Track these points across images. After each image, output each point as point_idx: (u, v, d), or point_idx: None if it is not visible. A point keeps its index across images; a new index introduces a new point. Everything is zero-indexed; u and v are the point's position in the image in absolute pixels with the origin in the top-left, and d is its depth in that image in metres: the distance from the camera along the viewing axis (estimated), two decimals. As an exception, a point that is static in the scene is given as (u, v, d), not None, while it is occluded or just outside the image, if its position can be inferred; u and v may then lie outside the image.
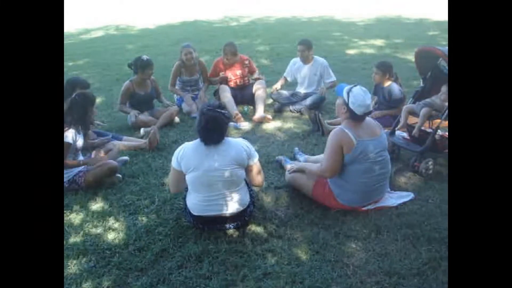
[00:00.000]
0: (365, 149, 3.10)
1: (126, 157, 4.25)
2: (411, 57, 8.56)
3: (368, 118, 3.25)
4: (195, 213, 2.95)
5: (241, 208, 2.96)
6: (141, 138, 4.82)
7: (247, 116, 5.45)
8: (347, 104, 3.13)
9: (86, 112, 3.62)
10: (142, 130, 4.97)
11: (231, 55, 5.61)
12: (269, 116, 5.32)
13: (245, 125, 5.12)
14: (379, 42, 10.28)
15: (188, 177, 2.90)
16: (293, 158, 4.11)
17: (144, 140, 4.57)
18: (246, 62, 5.87)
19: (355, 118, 3.15)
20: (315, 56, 5.63)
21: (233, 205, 2.92)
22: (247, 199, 3.01)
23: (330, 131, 4.65)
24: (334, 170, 3.17)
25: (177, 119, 5.32)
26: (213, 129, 2.80)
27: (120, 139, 4.62)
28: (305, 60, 5.58)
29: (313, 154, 4.18)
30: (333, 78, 5.62)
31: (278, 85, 5.73)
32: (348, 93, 3.13)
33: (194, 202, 2.94)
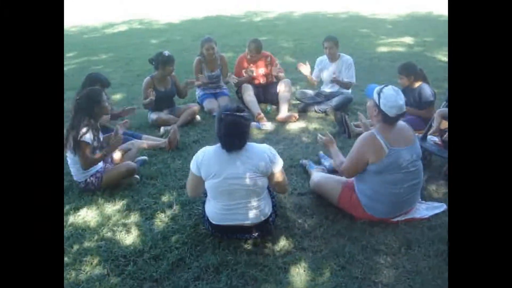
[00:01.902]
0: (398, 159, 2.88)
1: (145, 157, 4.14)
2: (441, 56, 8.24)
3: (401, 122, 3.04)
4: (214, 222, 2.80)
5: (263, 219, 2.79)
6: (161, 137, 4.70)
7: (270, 116, 5.27)
8: (378, 106, 2.92)
9: (93, 111, 3.46)
10: (162, 129, 4.85)
11: (255, 52, 5.43)
12: (296, 115, 5.12)
13: (268, 126, 4.93)
14: (408, 40, 9.93)
15: (207, 184, 2.74)
16: (318, 163, 3.92)
17: (164, 140, 4.44)
18: (268, 59, 5.67)
19: (388, 121, 2.93)
20: (341, 54, 5.40)
21: (254, 215, 2.75)
22: (269, 208, 2.84)
23: (357, 133, 4.50)
24: (353, 174, 3.05)
25: (198, 118, 5.18)
26: (234, 135, 2.63)
27: (140, 138, 4.51)
28: (332, 58, 5.34)
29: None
30: (353, 80, 5.37)
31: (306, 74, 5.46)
32: (378, 94, 2.92)
33: (213, 210, 2.78)
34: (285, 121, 5.05)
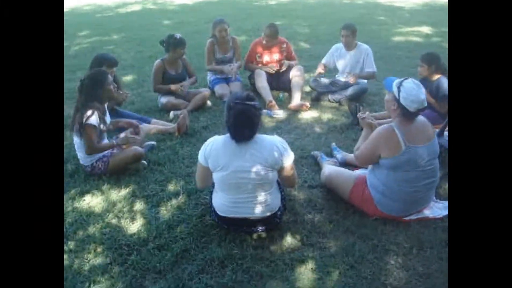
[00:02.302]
0: (415, 157, 2.76)
1: (153, 142, 4.06)
2: (460, 47, 8.01)
3: (421, 117, 2.91)
4: (220, 213, 2.72)
5: (270, 213, 2.71)
6: (170, 122, 4.62)
7: (282, 104, 5.15)
8: (397, 100, 2.79)
9: (97, 94, 3.36)
10: (171, 113, 4.76)
11: (272, 38, 5.28)
12: (307, 104, 4.97)
13: (279, 114, 4.82)
14: (425, 29, 9.68)
15: (215, 176, 2.65)
16: (330, 155, 3.81)
17: (173, 125, 4.35)
18: (284, 45, 5.53)
19: (407, 116, 2.80)
20: (359, 43, 5.21)
21: (262, 209, 2.66)
22: (277, 202, 2.75)
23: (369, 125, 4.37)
24: (364, 163, 3.03)
25: (209, 103, 5.08)
26: (243, 125, 2.51)
27: (149, 122, 4.44)
28: (348, 46, 5.17)
29: (352, 151, 3.86)
30: (374, 69, 5.19)
31: (320, 69, 5.33)
32: (398, 88, 2.78)
33: (221, 202, 2.70)
34: (297, 110, 4.92)
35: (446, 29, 9.62)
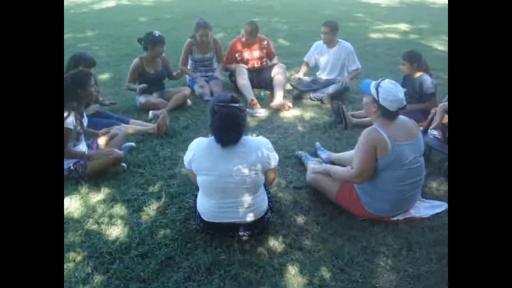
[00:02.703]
0: (401, 155, 2.73)
1: (132, 143, 3.92)
2: (437, 45, 8.10)
3: (402, 116, 2.88)
4: (206, 219, 2.63)
5: (258, 217, 2.63)
6: (150, 122, 4.49)
7: (264, 102, 5.07)
8: (377, 101, 2.75)
9: (77, 94, 3.20)
10: (150, 113, 4.62)
11: (252, 36, 5.20)
12: (290, 104, 4.90)
13: (261, 112, 4.74)
14: (403, 26, 9.75)
15: (199, 179, 2.55)
16: (314, 154, 3.75)
17: (153, 125, 4.22)
18: (265, 43, 5.46)
19: (388, 116, 2.77)
20: (340, 40, 5.18)
21: (249, 213, 2.58)
22: (265, 206, 2.67)
23: (354, 124, 4.35)
24: (367, 176, 2.81)
25: (189, 102, 4.96)
26: (229, 128, 2.42)
27: (127, 122, 4.29)
28: (329, 44, 5.13)
29: (336, 150, 3.83)
30: (358, 66, 5.19)
31: (300, 74, 5.33)
32: (377, 89, 2.75)
33: (206, 207, 2.61)
34: (279, 109, 4.85)
35: (423, 26, 9.76)
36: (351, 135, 4.18)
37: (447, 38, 8.62)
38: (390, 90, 2.69)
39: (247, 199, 2.55)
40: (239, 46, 5.37)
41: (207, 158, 2.49)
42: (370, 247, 2.68)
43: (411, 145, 2.78)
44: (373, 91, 2.75)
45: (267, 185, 2.80)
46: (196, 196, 2.76)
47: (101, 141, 3.58)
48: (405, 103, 2.75)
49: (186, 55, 5.35)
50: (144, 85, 4.64)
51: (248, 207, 2.57)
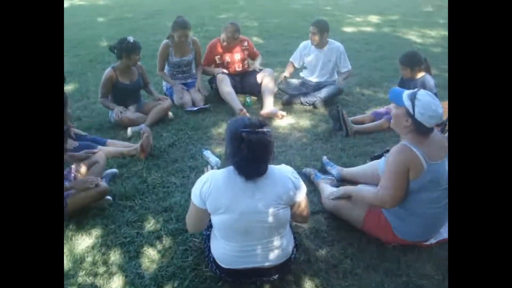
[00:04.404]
0: (437, 174, 2.41)
1: (114, 170, 3.42)
2: (413, 37, 7.95)
3: (435, 130, 2.56)
4: (224, 266, 2.21)
5: (286, 258, 2.24)
6: (128, 140, 3.98)
7: (252, 110, 4.66)
8: (411, 115, 2.40)
9: None
10: (129, 130, 4.10)
11: (233, 38, 4.76)
12: (283, 113, 4.49)
13: (252, 122, 4.31)
14: (374, 18, 9.57)
15: (216, 220, 2.13)
16: (322, 169, 3.39)
17: (135, 145, 3.71)
18: (245, 44, 5.04)
19: (423, 132, 2.44)
20: (330, 40, 4.84)
21: (276, 255, 2.18)
22: (292, 245, 2.29)
23: (356, 131, 4.03)
24: (399, 200, 2.47)
25: (170, 115, 4.47)
26: (259, 159, 2.02)
27: (103, 143, 3.75)
28: (317, 44, 4.78)
29: (344, 164, 3.48)
30: (348, 67, 4.88)
31: (286, 73, 4.94)
32: (412, 101, 2.40)
33: (224, 252, 2.18)
34: (270, 117, 4.45)
35: (394, 17, 9.62)
36: (356, 144, 3.85)
37: (421, 30, 8.49)
38: (430, 105, 2.34)
39: (274, 239, 2.15)
40: (219, 49, 4.92)
41: (226, 193, 2.06)
42: (411, 282, 2.35)
43: (445, 163, 2.46)
44: (407, 102, 2.40)
45: (291, 222, 2.40)
46: (208, 237, 2.33)
47: (82, 169, 3.07)
48: (443, 118, 2.42)
49: (162, 59, 4.86)
50: (121, 107, 4.16)
51: (275, 249, 2.17)
